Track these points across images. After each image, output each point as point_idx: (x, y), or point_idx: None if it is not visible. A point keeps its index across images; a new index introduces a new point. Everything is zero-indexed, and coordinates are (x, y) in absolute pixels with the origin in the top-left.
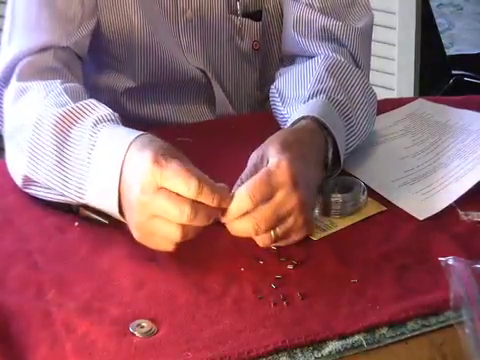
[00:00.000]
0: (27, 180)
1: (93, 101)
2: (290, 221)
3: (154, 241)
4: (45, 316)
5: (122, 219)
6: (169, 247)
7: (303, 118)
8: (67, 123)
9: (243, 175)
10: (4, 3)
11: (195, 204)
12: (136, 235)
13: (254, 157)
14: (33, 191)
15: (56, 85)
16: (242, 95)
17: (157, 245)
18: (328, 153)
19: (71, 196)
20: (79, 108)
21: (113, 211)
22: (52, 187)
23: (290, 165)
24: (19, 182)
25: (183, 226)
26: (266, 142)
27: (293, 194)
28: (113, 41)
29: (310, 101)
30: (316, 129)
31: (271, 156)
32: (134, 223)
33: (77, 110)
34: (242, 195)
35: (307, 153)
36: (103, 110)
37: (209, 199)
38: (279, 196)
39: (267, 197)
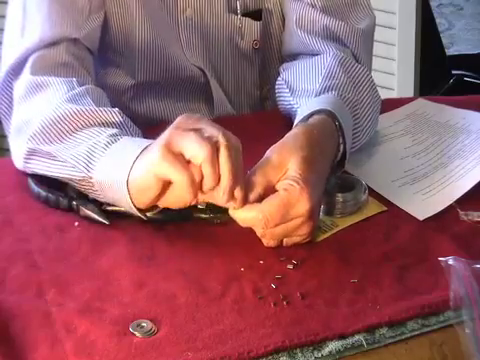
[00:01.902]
0: (31, 153)
1: (124, 117)
2: (298, 239)
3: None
4: (45, 316)
5: (125, 190)
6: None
7: (321, 111)
8: (89, 119)
9: (255, 170)
10: (4, 3)
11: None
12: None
13: (273, 156)
14: (34, 164)
15: (73, 85)
16: (241, 94)
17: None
18: (338, 154)
19: (79, 166)
20: (104, 111)
21: (121, 180)
22: (59, 155)
23: (310, 198)
24: (21, 159)
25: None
26: (287, 141)
27: (307, 224)
28: (116, 36)
29: (322, 96)
30: (333, 129)
31: (292, 173)
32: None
33: (101, 113)
34: (258, 216)
35: (325, 167)
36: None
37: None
38: (293, 223)
39: (281, 223)
